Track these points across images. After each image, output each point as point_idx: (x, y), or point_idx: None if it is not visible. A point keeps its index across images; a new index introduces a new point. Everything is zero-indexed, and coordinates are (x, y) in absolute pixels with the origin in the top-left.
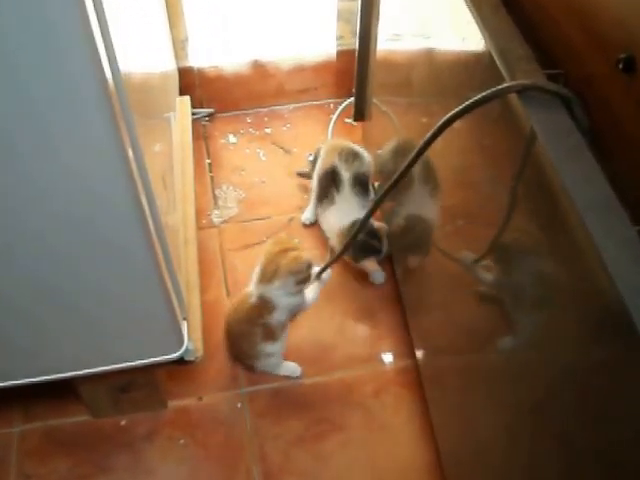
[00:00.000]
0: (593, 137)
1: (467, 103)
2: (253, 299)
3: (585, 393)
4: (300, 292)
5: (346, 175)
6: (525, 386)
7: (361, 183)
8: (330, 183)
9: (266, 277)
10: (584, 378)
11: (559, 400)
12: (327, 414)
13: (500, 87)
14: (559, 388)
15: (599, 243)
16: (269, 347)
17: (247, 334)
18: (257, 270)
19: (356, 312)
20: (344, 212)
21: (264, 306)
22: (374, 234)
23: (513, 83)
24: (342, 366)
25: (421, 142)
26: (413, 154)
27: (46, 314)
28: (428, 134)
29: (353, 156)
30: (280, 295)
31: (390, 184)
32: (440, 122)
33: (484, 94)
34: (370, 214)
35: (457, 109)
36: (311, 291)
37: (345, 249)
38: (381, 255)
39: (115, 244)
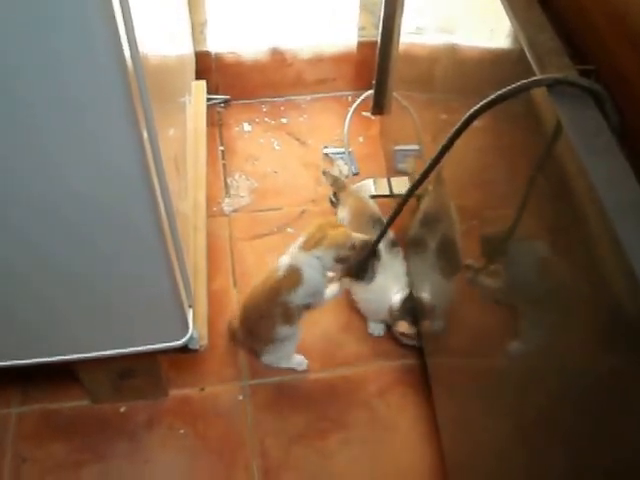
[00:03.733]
0: (623, 136)
1: (495, 95)
2: (281, 271)
3: (596, 403)
4: (331, 275)
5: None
6: (534, 393)
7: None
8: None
9: (310, 243)
10: (596, 388)
11: (569, 409)
12: (330, 411)
13: (530, 80)
14: (569, 397)
15: (628, 247)
16: (285, 330)
17: (266, 315)
18: (300, 239)
19: None
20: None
21: (291, 279)
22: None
23: (544, 76)
24: (348, 363)
25: (447, 136)
26: (439, 149)
27: (49, 295)
28: (454, 128)
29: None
30: (313, 267)
31: (417, 181)
32: (467, 115)
33: (513, 86)
34: (395, 215)
35: (484, 101)
36: (331, 288)
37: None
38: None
39: (125, 225)
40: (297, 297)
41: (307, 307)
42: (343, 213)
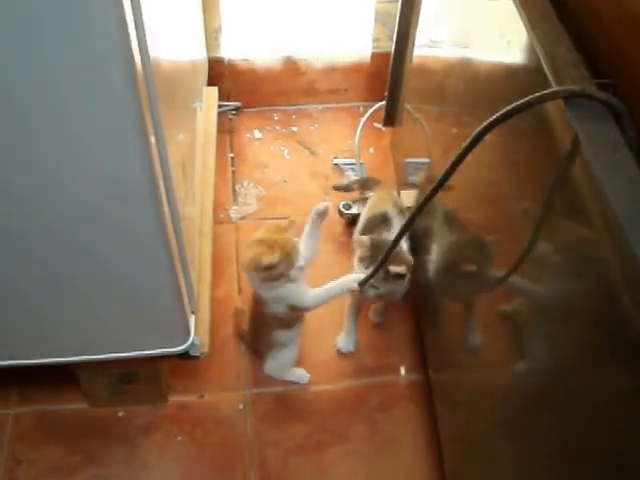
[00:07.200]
0: None
1: (510, 107)
2: None
3: (604, 422)
4: (276, 286)
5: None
6: (539, 411)
7: None
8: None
9: (243, 265)
10: (604, 408)
11: (575, 428)
12: (331, 424)
13: (546, 91)
14: (575, 416)
15: None
16: (283, 335)
17: (262, 321)
18: None
19: (369, 322)
20: None
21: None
22: None
23: (560, 88)
24: (350, 376)
25: (460, 149)
26: (450, 163)
27: (51, 297)
28: (467, 141)
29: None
30: (255, 286)
31: (428, 196)
32: (480, 127)
33: (529, 98)
34: (407, 227)
35: (499, 113)
36: (318, 294)
37: (383, 262)
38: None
39: (129, 229)
40: (270, 308)
41: (297, 311)
42: (364, 208)
